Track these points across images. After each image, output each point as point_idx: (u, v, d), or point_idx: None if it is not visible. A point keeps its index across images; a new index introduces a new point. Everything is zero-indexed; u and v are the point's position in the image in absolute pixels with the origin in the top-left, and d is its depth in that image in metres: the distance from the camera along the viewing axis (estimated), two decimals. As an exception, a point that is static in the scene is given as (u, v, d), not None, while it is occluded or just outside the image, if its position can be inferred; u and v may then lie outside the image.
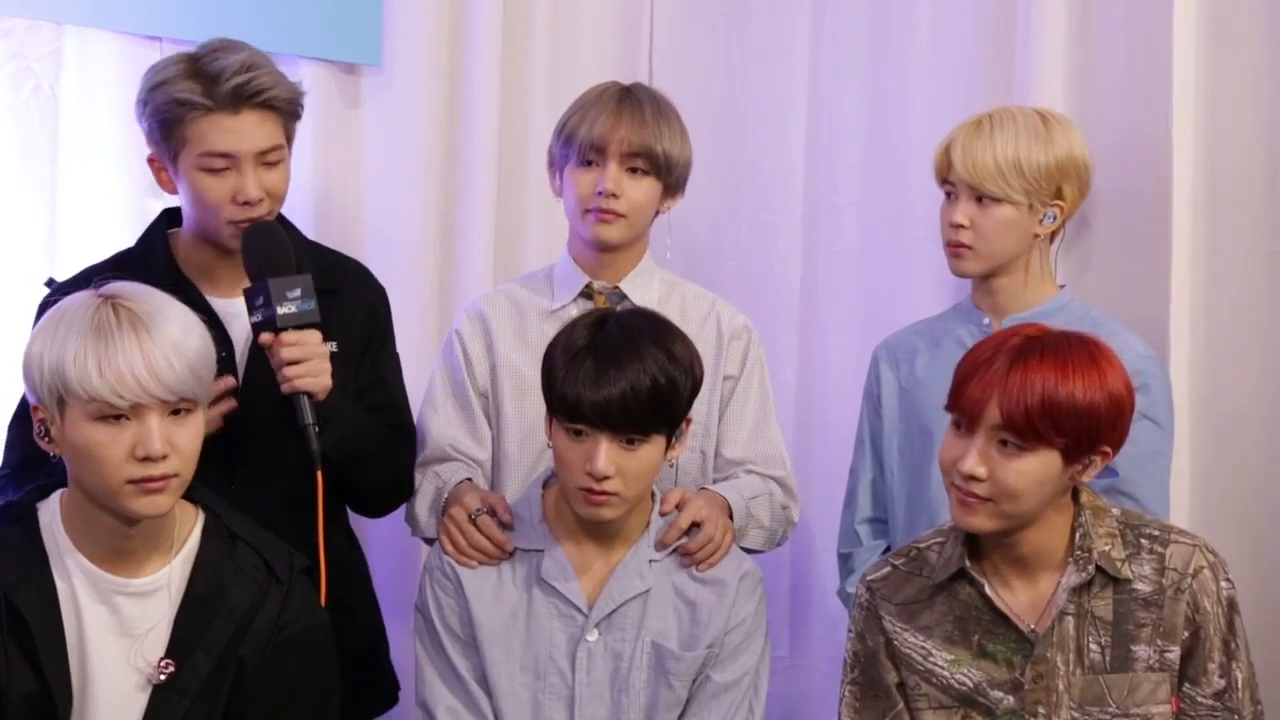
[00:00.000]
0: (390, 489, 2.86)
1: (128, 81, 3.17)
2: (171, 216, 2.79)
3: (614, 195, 2.83)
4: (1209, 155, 3.04)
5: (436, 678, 2.62)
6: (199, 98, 2.60)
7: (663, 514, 2.68)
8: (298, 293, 2.56)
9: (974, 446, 2.32)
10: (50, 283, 2.71)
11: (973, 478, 2.31)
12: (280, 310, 2.54)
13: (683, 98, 3.64)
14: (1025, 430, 2.28)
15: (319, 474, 2.54)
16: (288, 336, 2.55)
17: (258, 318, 2.57)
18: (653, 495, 2.67)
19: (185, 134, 2.62)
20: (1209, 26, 3.04)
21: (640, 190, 2.86)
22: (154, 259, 2.73)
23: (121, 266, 2.71)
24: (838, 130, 3.56)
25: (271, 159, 2.66)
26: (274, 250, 2.61)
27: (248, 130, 2.63)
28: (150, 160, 2.71)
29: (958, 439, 2.35)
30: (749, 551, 2.80)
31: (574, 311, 2.88)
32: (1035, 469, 2.30)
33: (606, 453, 2.49)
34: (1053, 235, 2.93)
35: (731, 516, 2.77)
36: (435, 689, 2.61)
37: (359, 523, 3.02)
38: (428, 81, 3.43)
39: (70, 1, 3.12)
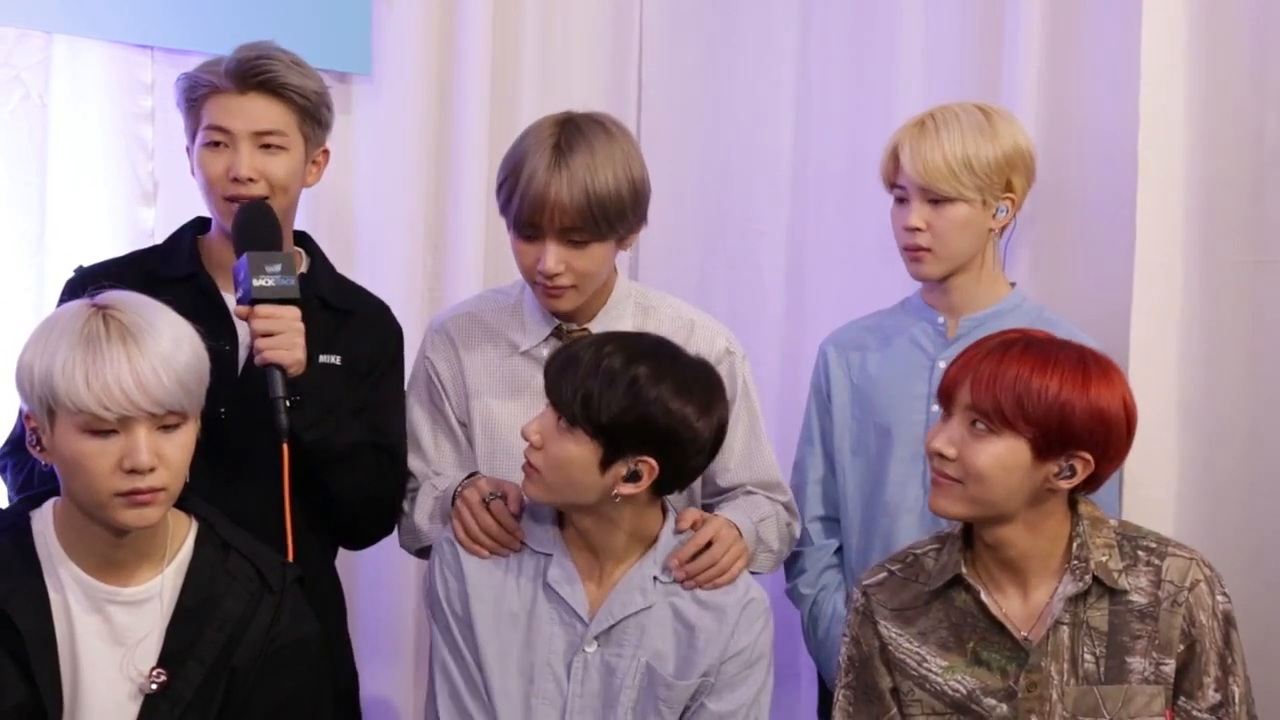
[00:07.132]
0: (367, 505, 2.79)
1: (117, 91, 3.20)
2: (205, 221, 2.82)
3: (557, 273, 2.66)
4: (1204, 164, 3.05)
5: (446, 654, 2.58)
6: (212, 76, 2.70)
7: (678, 532, 2.60)
8: (277, 268, 2.56)
9: (948, 426, 2.36)
10: (78, 269, 2.76)
11: (942, 455, 2.35)
12: (256, 283, 2.55)
13: (672, 109, 3.71)
14: (992, 412, 2.31)
15: (285, 447, 2.53)
16: (262, 309, 2.55)
17: (240, 293, 2.58)
18: (665, 512, 2.60)
19: (200, 113, 2.71)
20: (1202, 33, 3.06)
21: (585, 259, 2.66)
22: (178, 250, 2.78)
23: (146, 256, 2.81)
24: (824, 141, 3.58)
25: (271, 143, 2.70)
26: (260, 227, 2.63)
27: (248, 110, 2.69)
28: (188, 149, 2.77)
29: (941, 423, 2.39)
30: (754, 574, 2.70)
31: (545, 352, 2.73)
32: (1001, 453, 2.32)
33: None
34: (1002, 229, 2.93)
35: None
36: (447, 666, 2.57)
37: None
38: (418, 90, 3.44)
39: (60, 11, 3.12)
